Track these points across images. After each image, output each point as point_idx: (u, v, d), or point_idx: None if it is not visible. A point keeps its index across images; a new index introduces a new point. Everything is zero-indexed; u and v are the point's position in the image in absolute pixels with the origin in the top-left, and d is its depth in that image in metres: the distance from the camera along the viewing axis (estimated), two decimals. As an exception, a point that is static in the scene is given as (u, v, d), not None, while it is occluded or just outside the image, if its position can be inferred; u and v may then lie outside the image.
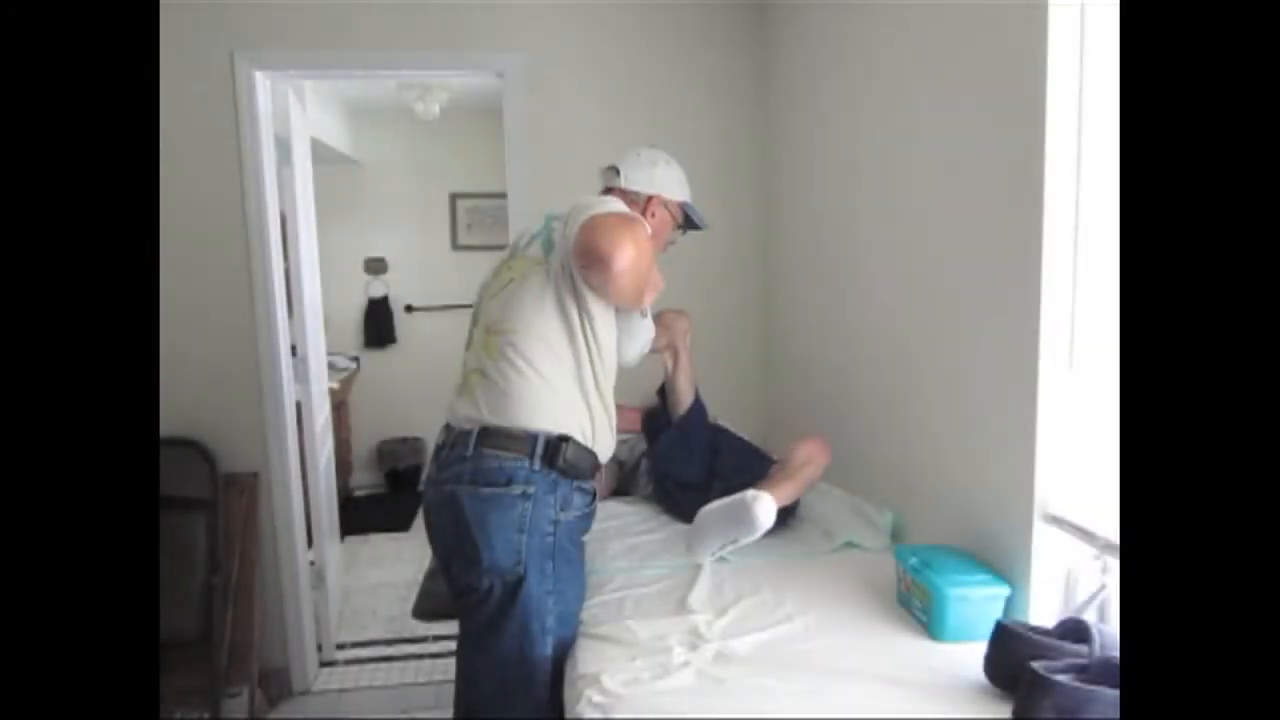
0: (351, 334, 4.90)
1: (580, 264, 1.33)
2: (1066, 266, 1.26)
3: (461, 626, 1.49)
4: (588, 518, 1.49)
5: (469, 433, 1.39)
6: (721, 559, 1.65)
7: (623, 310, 1.47)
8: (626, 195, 1.63)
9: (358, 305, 4.89)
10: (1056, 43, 1.22)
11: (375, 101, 4.41)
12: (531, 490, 1.36)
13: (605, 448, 1.48)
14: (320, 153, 3.71)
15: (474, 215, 4.97)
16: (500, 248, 3.65)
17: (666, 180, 1.68)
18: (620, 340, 1.50)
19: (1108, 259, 1.22)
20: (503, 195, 2.67)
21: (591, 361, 1.42)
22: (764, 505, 1.38)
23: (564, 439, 1.38)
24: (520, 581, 1.36)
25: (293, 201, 2.76)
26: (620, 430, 1.72)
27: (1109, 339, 1.22)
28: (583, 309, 1.39)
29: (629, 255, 1.26)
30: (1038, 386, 1.28)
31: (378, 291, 4.89)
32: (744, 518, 1.37)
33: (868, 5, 1.88)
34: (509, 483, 1.35)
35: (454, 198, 4.94)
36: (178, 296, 2.39)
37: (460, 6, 2.47)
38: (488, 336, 1.44)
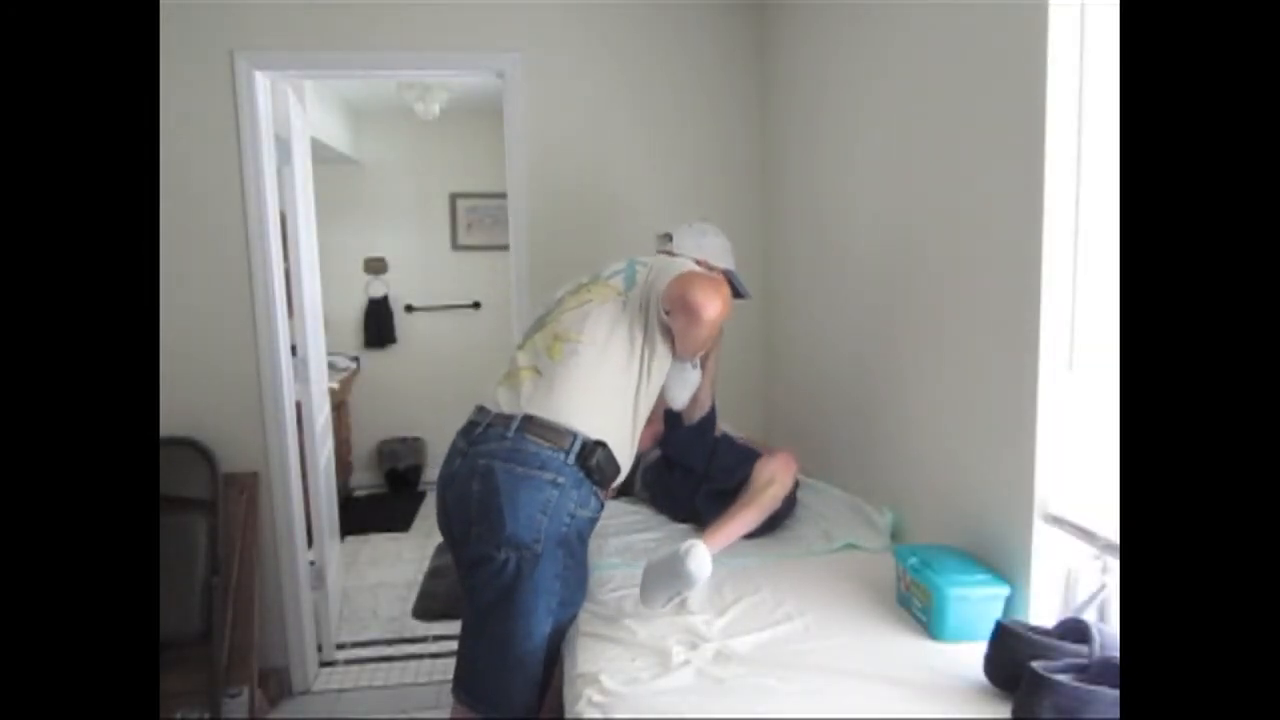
0: (351, 334, 4.90)
1: (671, 308, 1.50)
2: (1066, 266, 1.26)
3: (468, 604, 1.54)
4: (595, 521, 1.57)
5: (512, 418, 1.49)
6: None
7: (677, 361, 1.63)
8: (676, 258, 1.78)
9: (358, 305, 4.89)
10: (1056, 43, 1.22)
11: (375, 101, 4.41)
12: (561, 480, 1.45)
13: (626, 464, 1.58)
14: (320, 153, 3.71)
15: (474, 215, 4.97)
16: (501, 248, 3.66)
17: (713, 248, 1.87)
18: (673, 385, 1.69)
19: (1108, 259, 1.22)
20: (503, 195, 2.68)
21: (639, 387, 1.56)
22: (696, 558, 1.40)
23: (600, 444, 1.49)
24: (535, 560, 1.43)
25: (293, 201, 2.76)
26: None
27: (1109, 339, 1.22)
28: (648, 341, 1.55)
29: (716, 309, 1.44)
30: (1038, 386, 1.28)
31: (378, 291, 4.89)
32: (679, 570, 1.39)
33: (867, 5, 1.88)
34: (542, 468, 1.44)
35: (454, 198, 4.94)
36: (178, 296, 2.39)
37: (460, 6, 2.47)
38: (554, 341, 1.56)
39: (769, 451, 1.97)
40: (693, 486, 1.91)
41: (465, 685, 1.53)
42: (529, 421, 1.47)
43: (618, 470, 1.54)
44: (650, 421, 1.71)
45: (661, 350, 1.57)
